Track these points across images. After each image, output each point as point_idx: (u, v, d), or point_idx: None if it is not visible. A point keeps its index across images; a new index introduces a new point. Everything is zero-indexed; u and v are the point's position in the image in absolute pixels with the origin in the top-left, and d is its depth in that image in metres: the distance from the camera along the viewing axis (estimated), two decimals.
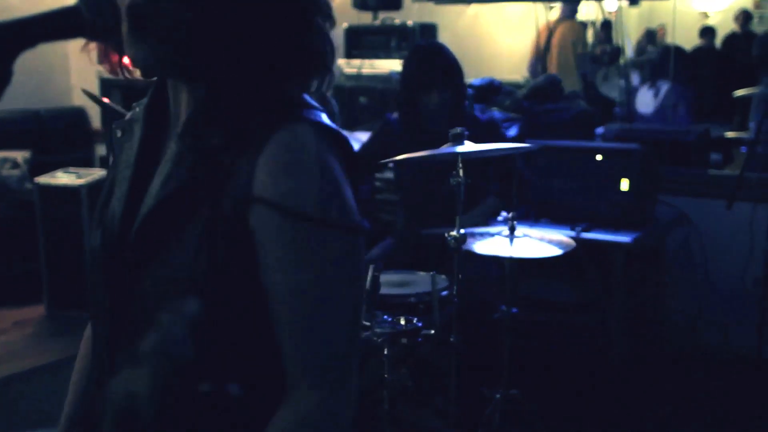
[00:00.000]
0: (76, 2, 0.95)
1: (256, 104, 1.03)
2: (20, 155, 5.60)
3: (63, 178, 4.77)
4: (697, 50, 8.77)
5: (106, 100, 3.74)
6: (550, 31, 6.70)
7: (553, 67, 6.52)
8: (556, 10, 7.17)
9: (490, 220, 3.26)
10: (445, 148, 2.71)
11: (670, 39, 9.07)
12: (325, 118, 1.06)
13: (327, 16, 1.08)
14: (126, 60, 1.10)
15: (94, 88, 5.61)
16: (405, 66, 3.40)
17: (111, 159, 1.20)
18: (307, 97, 1.09)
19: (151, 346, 1.03)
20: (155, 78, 1.14)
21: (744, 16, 8.84)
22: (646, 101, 5.08)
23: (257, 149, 0.99)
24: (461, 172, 2.64)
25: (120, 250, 1.08)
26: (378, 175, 4.17)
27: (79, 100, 6.34)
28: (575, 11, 6.91)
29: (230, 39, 1.00)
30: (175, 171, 1.03)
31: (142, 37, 0.99)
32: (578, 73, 6.39)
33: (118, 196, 1.12)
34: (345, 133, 1.08)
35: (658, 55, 6.01)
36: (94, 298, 1.15)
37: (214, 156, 1.01)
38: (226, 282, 1.00)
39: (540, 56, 6.71)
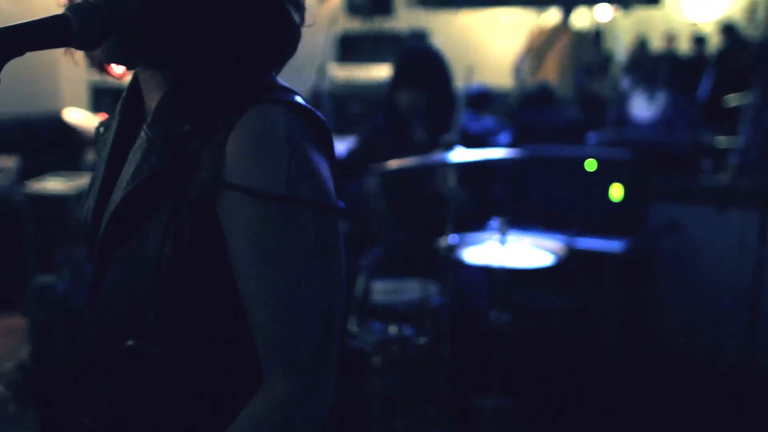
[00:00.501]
0: (64, 12, 0.94)
1: (224, 90, 1.02)
2: (9, 161, 5.58)
3: (52, 183, 4.77)
4: (689, 58, 8.81)
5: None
6: (550, 37, 6.67)
7: (549, 74, 6.50)
8: (547, 16, 7.16)
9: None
10: (435, 156, 2.70)
11: (665, 49, 9.12)
12: (297, 98, 1.04)
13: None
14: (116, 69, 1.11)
15: (84, 95, 5.60)
16: (392, 66, 3.42)
17: (95, 156, 1.23)
18: (279, 80, 1.08)
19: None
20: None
21: (727, 30, 8.89)
22: (640, 105, 5.08)
23: (225, 135, 0.98)
24: (453, 180, 2.63)
25: (92, 243, 1.09)
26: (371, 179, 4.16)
27: (68, 104, 6.32)
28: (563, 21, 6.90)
29: (190, 26, 1.00)
30: (144, 162, 1.02)
31: (98, 41, 0.99)
32: (574, 81, 6.37)
33: (93, 189, 1.14)
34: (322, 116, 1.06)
35: (653, 63, 6.01)
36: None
37: (182, 144, 1.00)
38: (191, 271, 0.99)
39: (533, 58, 6.68)
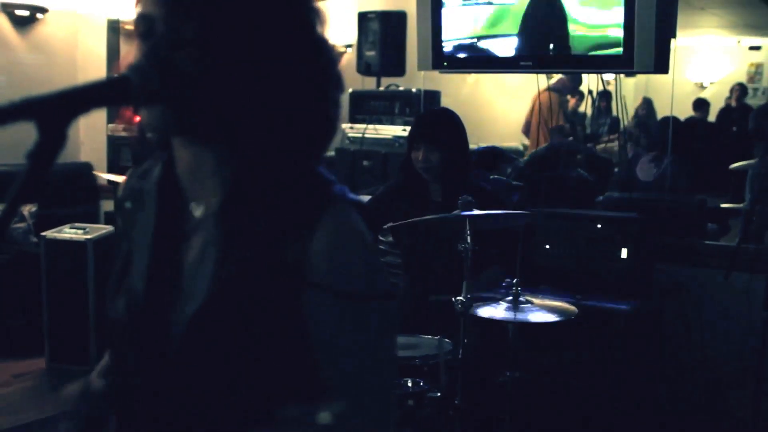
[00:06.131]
0: (125, 72, 0.97)
1: (292, 183, 1.08)
2: (26, 208, 5.64)
3: (70, 233, 4.81)
4: (691, 121, 8.94)
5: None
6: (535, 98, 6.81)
7: (537, 134, 6.61)
8: (554, 81, 7.29)
9: (492, 288, 3.31)
10: (452, 213, 2.78)
11: (668, 111, 9.23)
12: (347, 191, 1.12)
13: (338, 86, 1.14)
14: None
15: (103, 146, 5.70)
16: (411, 126, 3.54)
17: (119, 227, 1.24)
18: (321, 168, 1.14)
19: None
20: (158, 143, 1.17)
21: (740, 90, 9.03)
22: (646, 171, 5.16)
23: (307, 235, 1.04)
24: (468, 238, 2.71)
25: (148, 324, 1.11)
26: (381, 237, 4.22)
27: (87, 155, 6.42)
28: (573, 86, 7.01)
29: (247, 99, 1.04)
30: (224, 261, 1.06)
31: (156, 98, 1.02)
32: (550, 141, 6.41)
33: (138, 270, 1.14)
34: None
35: (658, 126, 6.12)
36: (120, 366, 1.19)
37: (263, 244, 1.06)
38: (272, 364, 1.06)
39: (544, 122, 6.80)
